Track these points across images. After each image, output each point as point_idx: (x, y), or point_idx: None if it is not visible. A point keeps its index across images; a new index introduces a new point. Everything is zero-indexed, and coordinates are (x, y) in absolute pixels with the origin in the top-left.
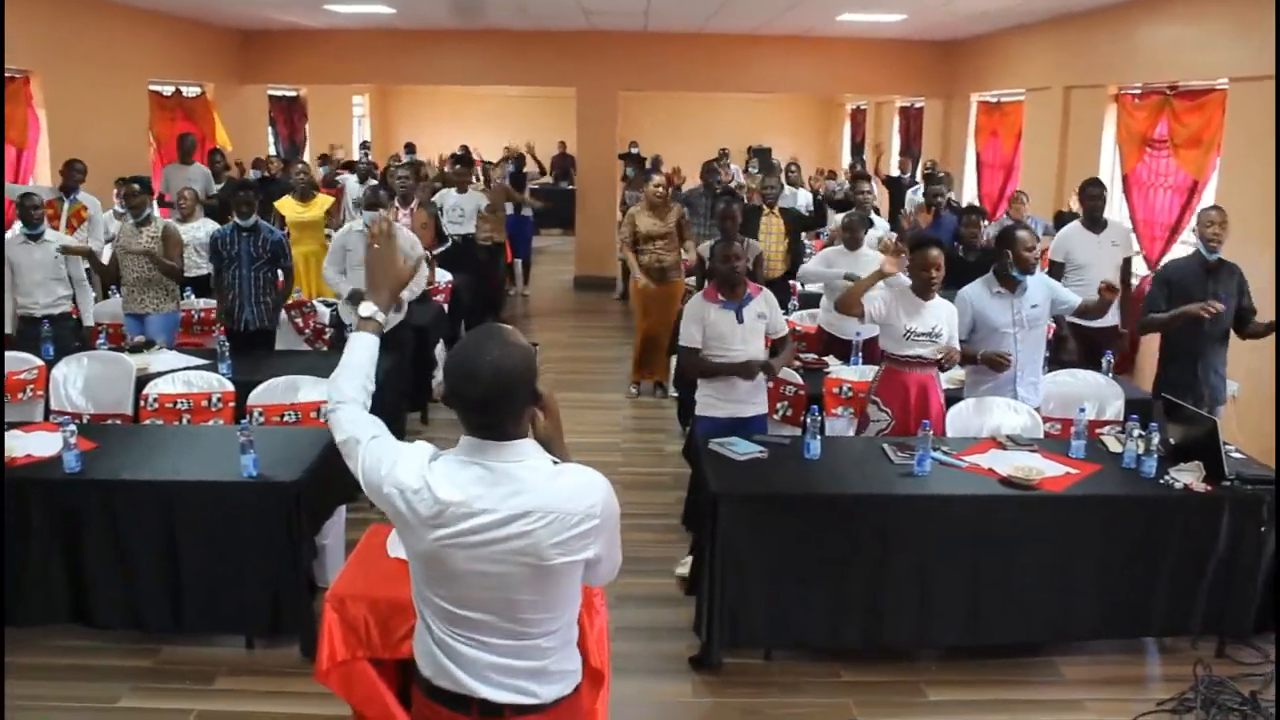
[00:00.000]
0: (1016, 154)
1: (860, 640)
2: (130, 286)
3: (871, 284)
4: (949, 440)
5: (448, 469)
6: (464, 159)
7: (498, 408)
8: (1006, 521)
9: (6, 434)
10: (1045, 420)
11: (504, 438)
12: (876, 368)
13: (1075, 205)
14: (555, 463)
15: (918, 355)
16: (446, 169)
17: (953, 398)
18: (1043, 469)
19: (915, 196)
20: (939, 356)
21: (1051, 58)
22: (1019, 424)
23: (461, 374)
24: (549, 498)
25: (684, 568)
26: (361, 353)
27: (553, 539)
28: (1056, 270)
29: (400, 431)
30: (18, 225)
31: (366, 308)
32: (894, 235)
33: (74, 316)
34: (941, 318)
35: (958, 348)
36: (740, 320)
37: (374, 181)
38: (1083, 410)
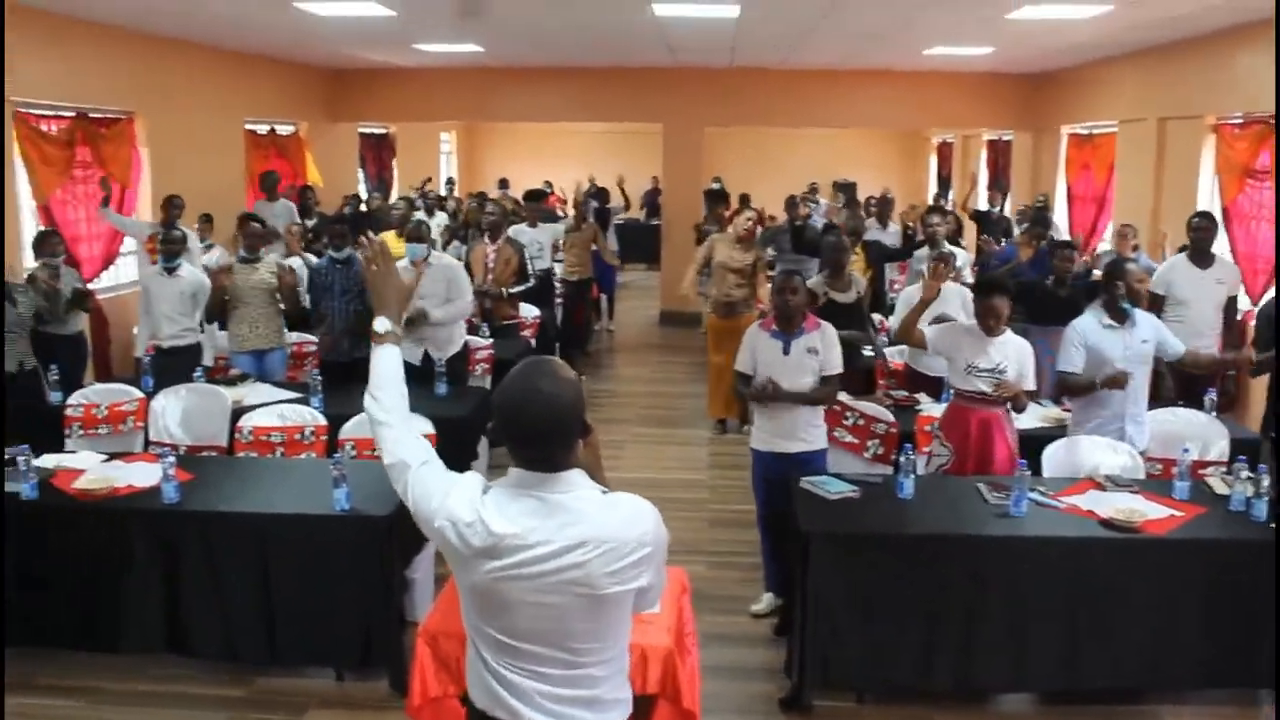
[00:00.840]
0: (1109, 187)
1: (953, 683)
2: (251, 323)
3: (920, 311)
4: (1046, 480)
5: (500, 501)
6: (536, 194)
7: (550, 441)
8: (1107, 565)
9: (109, 464)
10: (1146, 460)
11: (555, 469)
12: None
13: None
14: (604, 492)
15: (980, 391)
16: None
17: (1046, 436)
18: (1145, 511)
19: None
20: (1001, 394)
21: (1145, 88)
22: (1119, 464)
23: (513, 409)
24: (602, 527)
25: (760, 605)
26: (391, 364)
27: (607, 568)
28: (1156, 303)
29: (468, 461)
30: (147, 258)
31: (381, 323)
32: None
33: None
34: (1009, 355)
35: (1032, 386)
36: (786, 352)
37: (420, 216)
38: (1186, 450)
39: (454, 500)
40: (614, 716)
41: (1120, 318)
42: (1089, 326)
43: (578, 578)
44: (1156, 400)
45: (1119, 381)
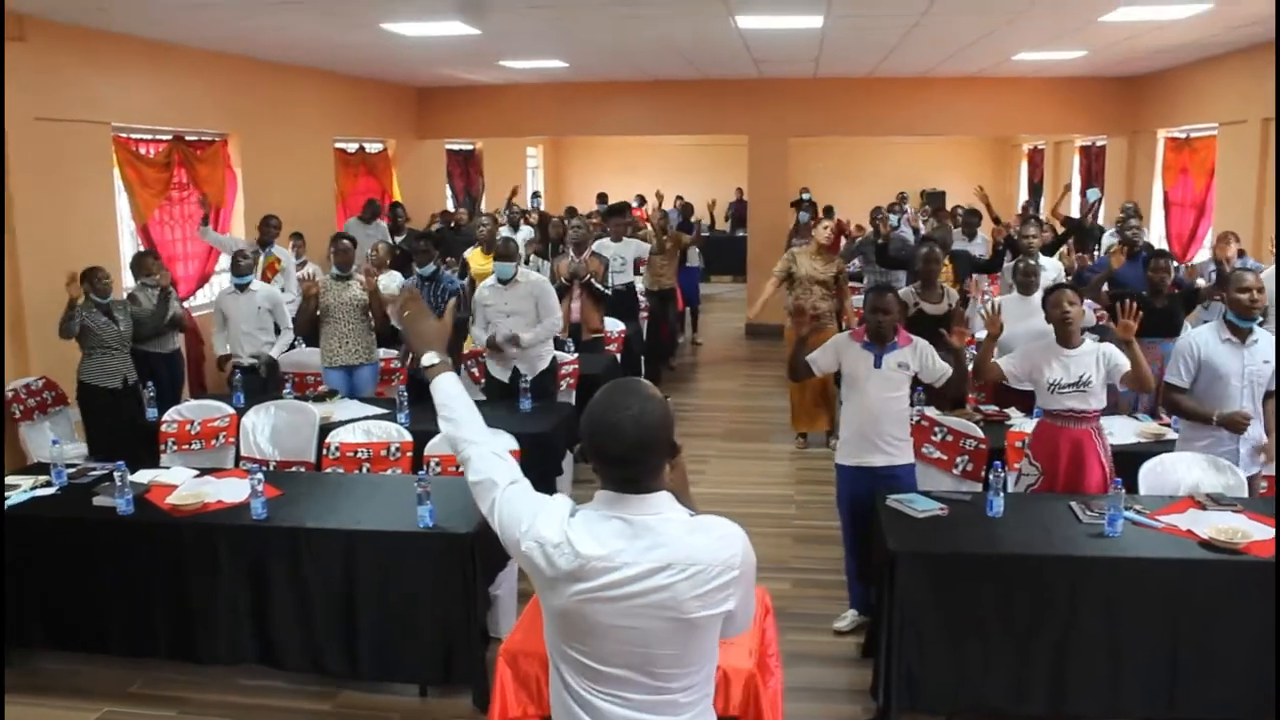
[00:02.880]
0: (1209, 192)
1: (1046, 709)
2: (342, 339)
3: (990, 349)
4: (1143, 499)
5: (587, 523)
6: (617, 209)
7: (636, 462)
8: (1208, 588)
9: (200, 480)
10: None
11: (641, 491)
12: None
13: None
14: (691, 514)
15: (1068, 408)
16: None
17: (1144, 452)
18: (1249, 532)
19: (1110, 239)
20: (1096, 408)
21: (1248, 88)
22: (1221, 482)
23: (603, 430)
24: (689, 550)
25: (842, 622)
26: (452, 387)
27: (694, 591)
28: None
29: (553, 481)
30: (229, 277)
31: (428, 358)
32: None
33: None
34: (1089, 365)
35: (1127, 368)
36: (877, 365)
37: (505, 232)
38: None
39: (542, 522)
40: None
41: (1240, 334)
42: (1205, 340)
43: (664, 600)
44: None
45: (1238, 425)
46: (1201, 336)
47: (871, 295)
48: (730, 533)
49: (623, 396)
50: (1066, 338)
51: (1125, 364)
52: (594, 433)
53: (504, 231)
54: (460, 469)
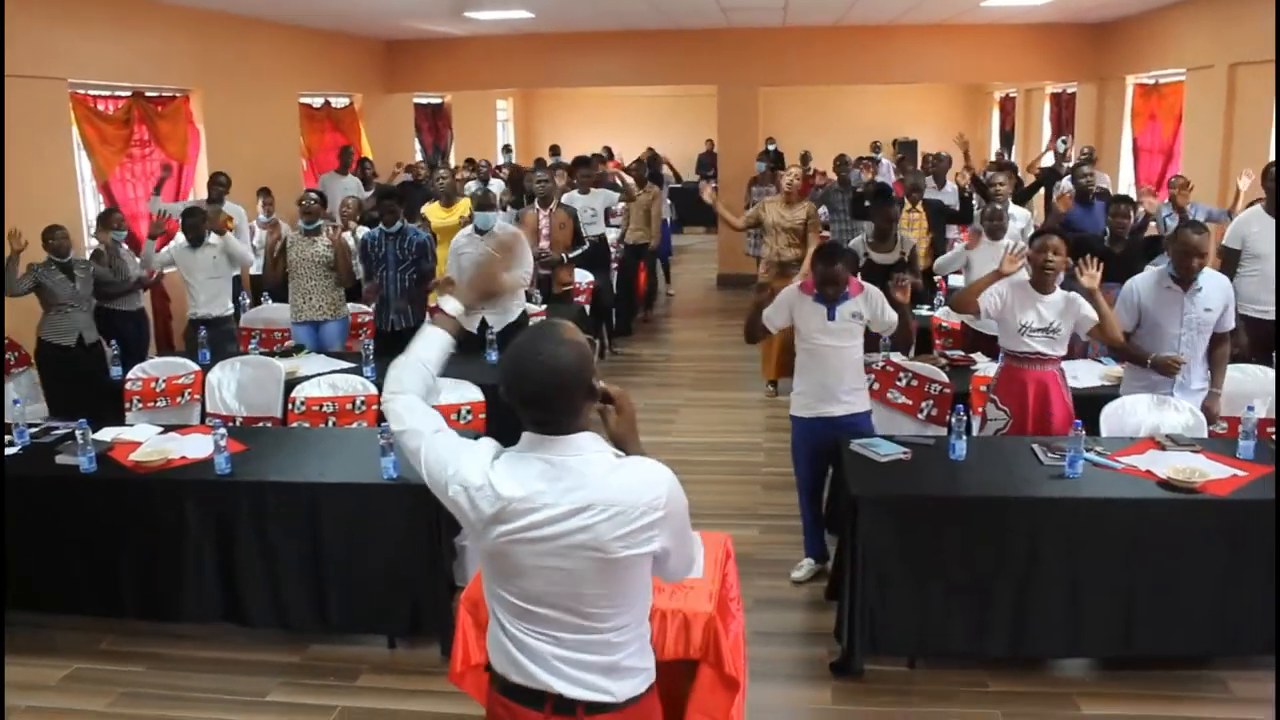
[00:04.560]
0: (1176, 138)
1: (1006, 650)
2: (306, 294)
3: (989, 283)
4: (1103, 440)
5: (510, 465)
6: (585, 160)
7: (550, 404)
8: (1166, 527)
9: (164, 436)
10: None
11: (560, 432)
12: None
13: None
14: (618, 456)
15: (1036, 351)
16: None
17: (1107, 395)
18: (1206, 471)
19: (1066, 183)
20: (1060, 354)
21: (1215, 33)
22: (1180, 423)
23: (514, 371)
24: (609, 490)
25: (799, 572)
26: (432, 349)
27: (615, 532)
28: (1231, 258)
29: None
30: (180, 236)
31: (451, 304)
32: (1034, 226)
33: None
34: (1060, 312)
35: (1095, 319)
36: (831, 318)
37: (473, 186)
38: (1251, 408)
39: (466, 465)
40: (633, 684)
41: (1184, 282)
42: (1146, 286)
43: (586, 541)
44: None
45: (1170, 368)
46: (1142, 283)
47: (820, 265)
48: (655, 476)
49: (537, 340)
50: (1043, 284)
51: (1093, 316)
52: (507, 373)
53: (471, 185)
54: (385, 414)
